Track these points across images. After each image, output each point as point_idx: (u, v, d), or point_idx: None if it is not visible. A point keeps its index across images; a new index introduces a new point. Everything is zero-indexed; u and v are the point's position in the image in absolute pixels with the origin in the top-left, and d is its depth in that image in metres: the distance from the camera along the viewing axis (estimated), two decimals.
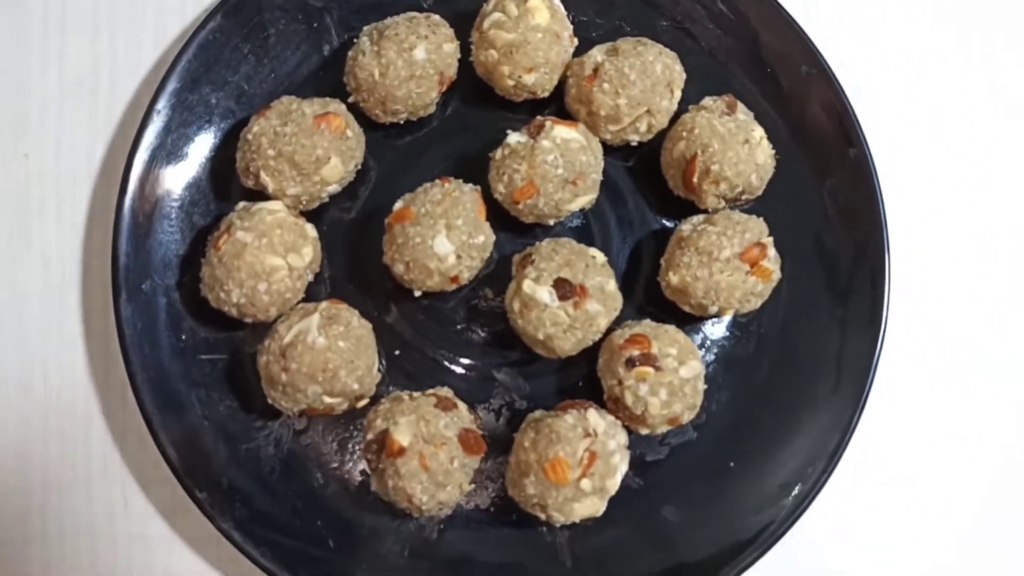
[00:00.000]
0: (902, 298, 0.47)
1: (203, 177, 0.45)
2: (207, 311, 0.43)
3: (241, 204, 0.43)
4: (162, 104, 0.44)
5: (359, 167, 0.45)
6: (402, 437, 0.40)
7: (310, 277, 0.43)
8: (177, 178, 0.45)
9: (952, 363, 0.49)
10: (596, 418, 0.41)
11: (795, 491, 0.44)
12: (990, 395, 0.48)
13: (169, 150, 0.45)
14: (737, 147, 0.43)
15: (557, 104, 0.47)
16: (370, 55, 0.43)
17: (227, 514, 0.42)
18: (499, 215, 0.45)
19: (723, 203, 0.45)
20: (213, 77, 0.45)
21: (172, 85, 0.44)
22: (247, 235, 0.41)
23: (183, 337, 0.44)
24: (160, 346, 0.43)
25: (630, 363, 0.42)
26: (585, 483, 0.40)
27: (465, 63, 0.46)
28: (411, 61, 0.43)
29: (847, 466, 0.45)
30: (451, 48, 0.45)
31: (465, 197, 0.43)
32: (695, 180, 0.44)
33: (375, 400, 0.44)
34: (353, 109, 0.45)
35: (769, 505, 0.44)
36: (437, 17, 0.45)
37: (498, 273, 0.46)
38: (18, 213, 0.47)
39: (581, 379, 0.46)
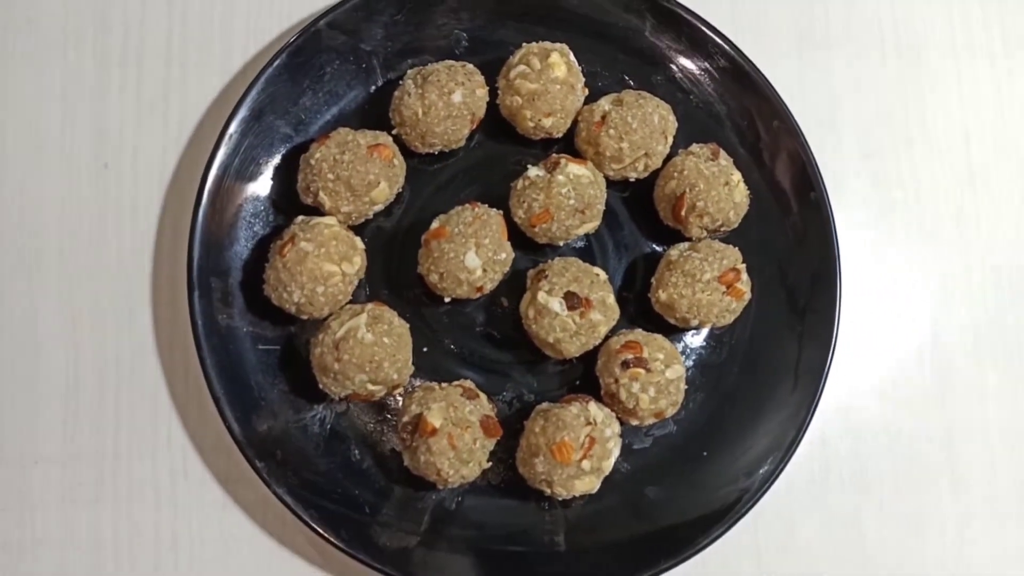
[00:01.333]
0: (851, 315, 0.56)
1: (264, 193, 0.52)
2: (266, 308, 0.50)
3: (300, 218, 0.50)
4: (233, 129, 0.51)
5: (400, 190, 0.53)
6: (435, 420, 0.47)
7: (356, 282, 0.51)
8: (242, 193, 0.52)
9: (894, 368, 0.57)
10: (596, 410, 0.49)
11: (757, 475, 0.51)
12: (928, 395, 0.56)
13: (237, 169, 0.51)
14: (719, 188, 0.51)
15: (567, 142, 0.54)
16: (415, 96, 0.51)
17: (281, 481, 0.49)
18: (516, 235, 0.52)
19: (705, 233, 0.53)
20: (276, 107, 0.52)
21: (242, 113, 0.51)
22: (308, 245, 0.48)
23: (245, 330, 0.51)
24: (226, 336, 0.50)
25: (625, 365, 0.49)
26: (585, 464, 0.48)
27: (491, 105, 0.53)
28: (449, 103, 0.51)
29: (806, 456, 0.54)
30: (482, 93, 0.52)
31: (491, 220, 0.50)
32: (683, 213, 0.52)
33: (407, 389, 0.51)
34: (396, 140, 0.52)
35: (735, 487, 0.51)
36: (471, 66, 0.52)
37: (513, 284, 0.53)
38: (99, 215, 0.54)
39: (581, 377, 0.53)
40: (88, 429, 0.52)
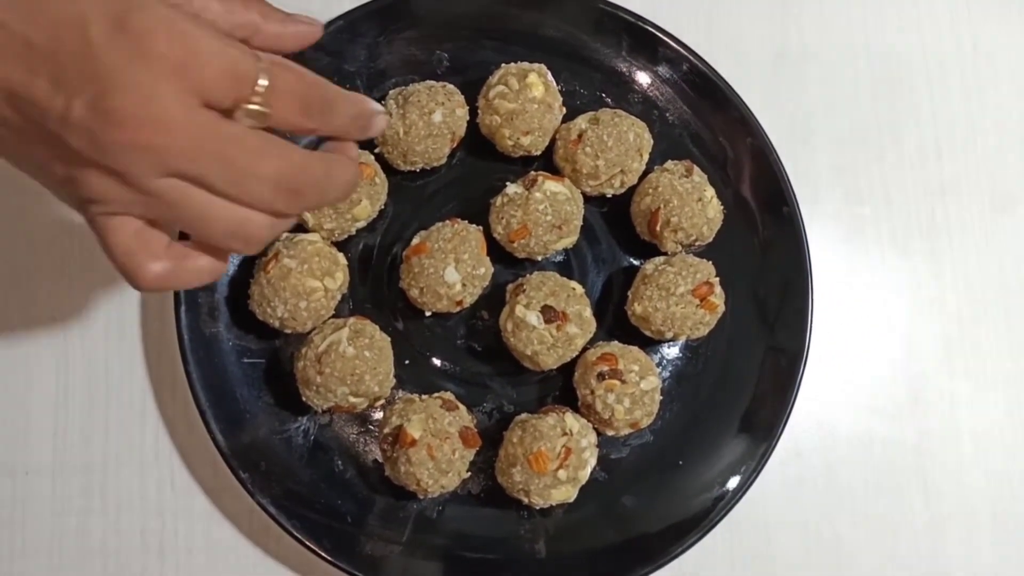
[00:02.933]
0: (824, 327, 0.57)
1: None
2: (251, 322, 0.51)
3: (284, 235, 0.52)
4: None
5: (383, 207, 0.54)
6: (414, 431, 0.49)
7: (339, 297, 0.52)
8: None
9: (867, 379, 0.58)
10: (572, 420, 0.50)
11: (731, 484, 0.53)
12: (901, 405, 0.58)
13: None
14: (692, 204, 0.53)
15: (545, 159, 0.56)
16: (396, 116, 0.52)
17: (265, 492, 0.50)
18: (495, 250, 0.54)
19: (680, 248, 0.54)
20: None
21: None
22: (292, 261, 0.50)
23: (230, 343, 0.52)
24: (211, 350, 0.51)
25: (601, 376, 0.51)
26: (561, 473, 0.49)
27: (471, 123, 0.55)
28: (430, 123, 0.52)
29: (780, 464, 0.55)
30: (462, 112, 0.54)
31: (471, 236, 0.52)
32: (658, 228, 0.53)
33: (389, 401, 0.53)
34: (378, 158, 0.54)
35: (709, 495, 0.52)
36: (452, 87, 0.54)
37: (492, 298, 0.54)
38: (89, 231, 0.55)
39: (559, 388, 0.54)
40: (77, 440, 0.54)
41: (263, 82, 0.32)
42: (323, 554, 0.50)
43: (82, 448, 0.53)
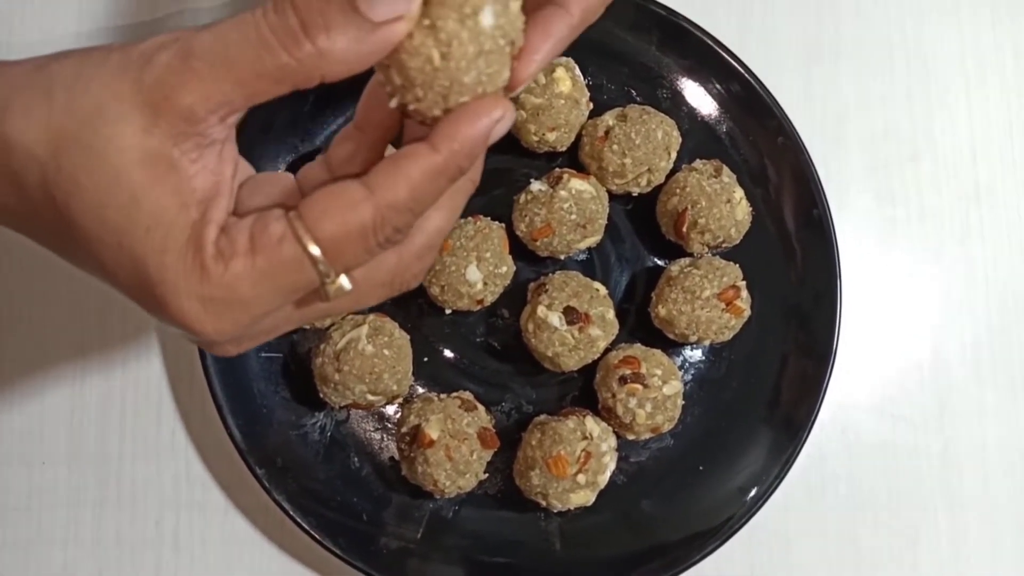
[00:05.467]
0: (851, 331, 0.56)
1: None
2: None
3: None
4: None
5: None
6: (432, 431, 0.48)
7: None
8: None
9: (893, 385, 0.57)
10: (592, 424, 0.50)
11: (753, 491, 0.52)
12: (927, 413, 0.56)
13: None
14: (721, 205, 0.52)
15: (571, 156, 0.55)
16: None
17: (280, 488, 0.50)
18: (518, 248, 0.53)
19: (706, 250, 0.53)
20: (282, 119, 0.53)
21: (249, 132, 0.52)
22: None
23: None
24: None
25: (622, 380, 0.50)
26: (581, 477, 0.49)
27: None
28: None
29: (803, 471, 0.54)
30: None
31: (493, 233, 0.51)
32: (684, 230, 0.52)
33: (406, 399, 0.52)
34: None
35: (730, 503, 0.52)
36: None
37: (514, 296, 0.53)
38: None
39: (578, 389, 0.54)
40: (93, 432, 0.53)
41: (309, 243, 0.28)
42: (338, 552, 0.50)
43: (98, 440, 0.53)
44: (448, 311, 0.52)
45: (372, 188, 0.28)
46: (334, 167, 0.31)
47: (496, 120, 0.29)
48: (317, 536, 0.49)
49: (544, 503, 0.49)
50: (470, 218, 0.51)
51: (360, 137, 0.31)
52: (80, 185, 0.27)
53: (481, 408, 0.51)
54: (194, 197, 0.27)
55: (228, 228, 0.28)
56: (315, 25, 0.26)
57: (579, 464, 0.48)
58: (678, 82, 0.56)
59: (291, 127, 0.53)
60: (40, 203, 0.28)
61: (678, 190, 0.52)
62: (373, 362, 0.48)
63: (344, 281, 0.29)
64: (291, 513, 0.49)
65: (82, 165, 0.27)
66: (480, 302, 0.51)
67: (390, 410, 0.52)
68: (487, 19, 0.28)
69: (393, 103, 0.29)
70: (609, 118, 0.53)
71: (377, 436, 0.52)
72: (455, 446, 0.48)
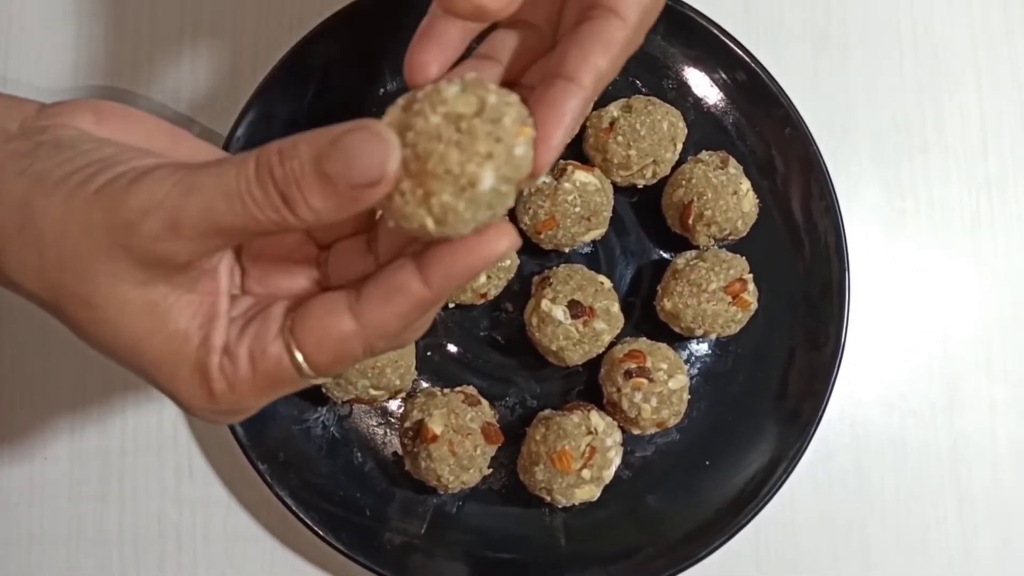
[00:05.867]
0: (859, 324, 0.55)
1: None
2: None
3: None
4: (240, 132, 0.51)
5: None
6: (436, 426, 0.48)
7: None
8: None
9: (902, 379, 0.56)
10: (597, 419, 0.49)
11: (759, 485, 0.51)
12: (936, 407, 0.56)
13: None
14: (727, 197, 0.51)
15: (575, 148, 0.54)
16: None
17: (283, 483, 0.49)
18: (522, 241, 0.52)
19: (712, 242, 0.53)
20: (283, 110, 0.52)
21: (250, 116, 0.51)
22: None
23: None
24: None
25: (628, 374, 0.49)
26: (585, 473, 0.48)
27: None
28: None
29: (810, 465, 0.53)
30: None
31: None
32: (690, 222, 0.52)
33: (409, 393, 0.51)
34: None
35: (737, 496, 0.51)
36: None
37: (517, 289, 0.53)
38: None
39: (583, 384, 0.53)
40: (95, 426, 0.53)
41: (306, 368, 0.29)
42: (341, 547, 0.49)
43: (99, 434, 0.53)
44: (451, 305, 0.52)
45: (362, 323, 0.28)
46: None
47: (500, 254, 0.28)
48: (320, 531, 0.49)
49: (549, 498, 0.49)
50: None
51: None
52: (86, 332, 0.29)
53: (485, 403, 0.50)
54: (194, 325, 0.29)
55: (230, 350, 0.29)
56: (295, 200, 0.26)
57: (584, 459, 0.48)
58: (684, 72, 0.55)
59: (291, 121, 0.52)
60: (55, 316, 0.31)
61: (684, 182, 0.52)
62: (376, 357, 0.48)
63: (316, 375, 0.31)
64: (294, 508, 0.49)
65: (84, 318, 0.29)
66: (484, 296, 0.51)
67: (393, 405, 0.52)
68: (486, 184, 0.26)
69: (390, 224, 0.28)
70: (614, 109, 0.52)
71: (380, 431, 0.52)
72: (459, 441, 0.48)
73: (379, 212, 0.30)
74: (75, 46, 0.56)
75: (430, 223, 0.27)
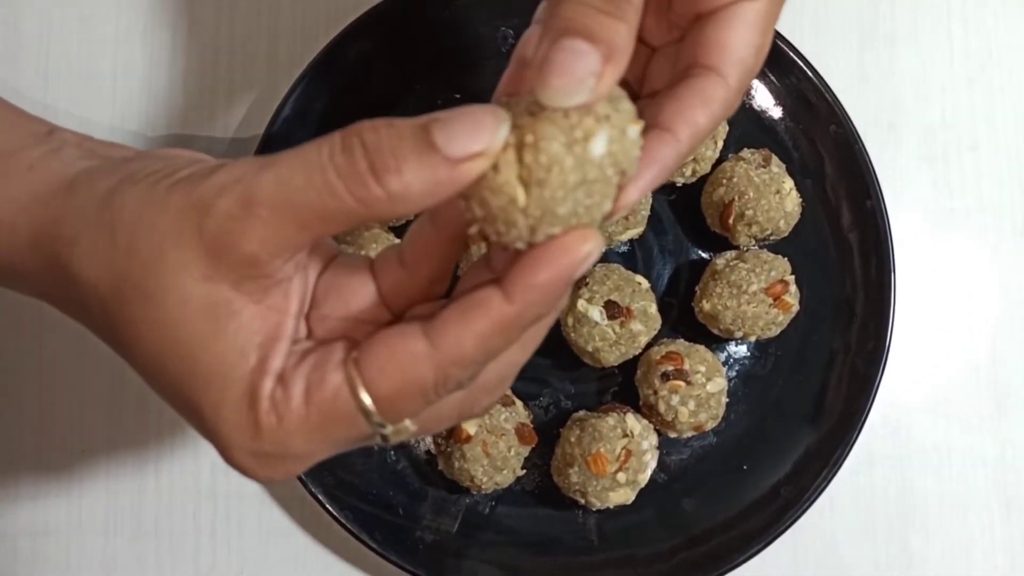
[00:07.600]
0: (904, 328, 0.53)
1: None
2: None
3: None
4: (276, 129, 0.51)
5: None
6: (470, 427, 0.47)
7: None
8: None
9: (947, 385, 0.55)
10: (633, 421, 0.48)
11: (798, 491, 0.50)
12: (982, 414, 0.54)
13: None
14: (769, 196, 0.50)
15: None
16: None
17: (317, 481, 0.49)
18: None
19: (753, 242, 0.51)
20: (319, 106, 0.52)
21: (286, 112, 0.51)
22: (348, 247, 0.48)
23: None
24: None
25: (665, 377, 0.49)
26: (621, 476, 0.47)
27: None
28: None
29: (851, 472, 0.52)
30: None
31: None
32: (731, 221, 0.50)
33: None
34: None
35: (775, 502, 0.50)
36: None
37: None
38: None
39: (618, 386, 0.52)
40: (132, 419, 0.53)
41: (366, 400, 0.26)
42: (374, 546, 0.49)
43: (136, 427, 0.53)
44: None
45: (435, 343, 0.26)
46: (408, 262, 0.29)
47: (584, 258, 0.26)
48: (353, 529, 0.49)
49: (583, 501, 0.48)
50: None
51: (434, 233, 0.29)
52: (140, 334, 0.27)
53: (519, 403, 0.50)
54: (254, 342, 0.27)
55: (285, 377, 0.26)
56: (386, 168, 0.24)
57: (619, 462, 0.47)
58: None
59: (324, 120, 0.52)
60: (104, 329, 0.29)
61: (724, 180, 0.50)
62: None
63: (407, 423, 0.28)
64: (327, 505, 0.49)
65: (142, 316, 0.27)
66: None
67: None
68: (598, 147, 0.24)
69: (472, 230, 0.26)
70: None
71: None
72: (492, 442, 0.47)
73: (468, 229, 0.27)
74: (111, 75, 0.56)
75: (520, 195, 0.25)
